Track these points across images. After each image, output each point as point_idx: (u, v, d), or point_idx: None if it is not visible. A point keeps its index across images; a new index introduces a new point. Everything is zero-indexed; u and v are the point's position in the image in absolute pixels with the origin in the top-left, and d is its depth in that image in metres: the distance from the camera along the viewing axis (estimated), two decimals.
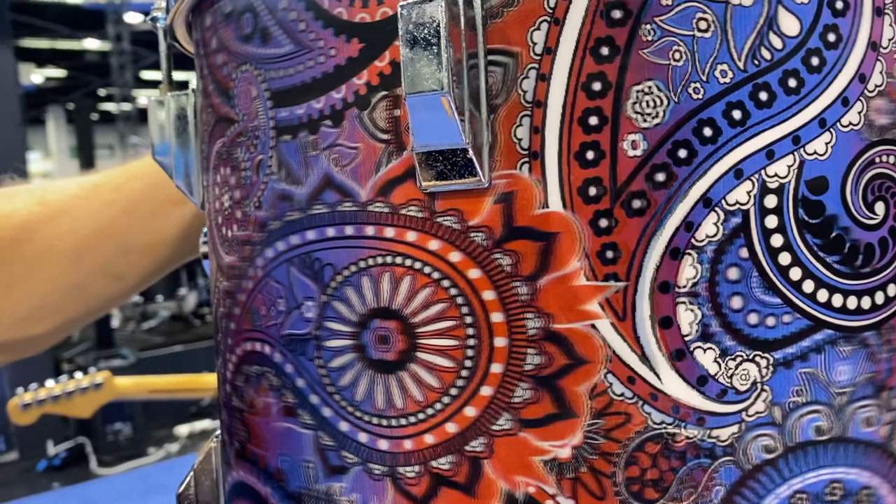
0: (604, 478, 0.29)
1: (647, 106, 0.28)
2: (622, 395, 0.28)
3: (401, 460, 0.31)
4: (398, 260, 0.30)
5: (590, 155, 0.28)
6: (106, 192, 0.63)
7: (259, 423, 0.36)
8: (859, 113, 0.30)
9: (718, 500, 0.28)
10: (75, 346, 4.98)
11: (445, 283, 0.30)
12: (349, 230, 0.31)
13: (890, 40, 0.30)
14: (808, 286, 0.29)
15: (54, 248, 0.61)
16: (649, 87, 0.28)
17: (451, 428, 0.30)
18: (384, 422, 0.31)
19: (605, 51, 0.28)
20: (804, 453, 0.29)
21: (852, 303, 0.30)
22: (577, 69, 0.28)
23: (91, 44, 6.06)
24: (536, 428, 0.29)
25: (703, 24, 0.28)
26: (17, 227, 0.60)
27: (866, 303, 0.30)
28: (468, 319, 0.29)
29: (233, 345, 0.38)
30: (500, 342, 0.29)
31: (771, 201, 0.29)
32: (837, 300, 0.29)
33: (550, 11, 0.28)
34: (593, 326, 0.28)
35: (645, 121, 0.28)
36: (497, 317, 0.29)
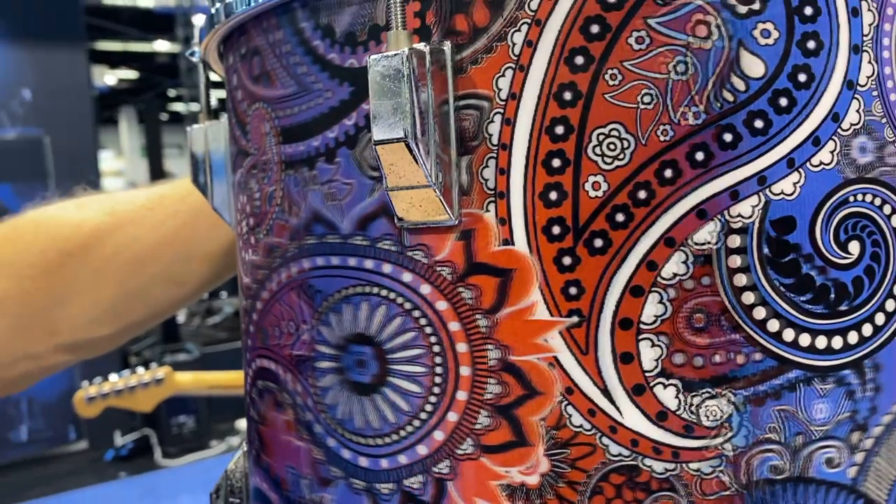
0: None
1: (609, 149, 0.29)
2: (580, 426, 0.29)
3: (379, 477, 0.33)
4: (375, 290, 0.32)
5: (553, 195, 0.29)
6: (171, 204, 0.68)
7: (269, 435, 0.39)
8: (832, 152, 0.29)
9: None
10: (142, 341, 5.17)
11: (416, 313, 0.31)
12: (335, 260, 0.34)
13: (868, 77, 0.30)
14: (773, 325, 0.29)
15: (120, 256, 0.65)
16: (611, 131, 0.29)
17: (422, 450, 0.32)
18: (363, 440, 0.33)
19: (567, 96, 0.29)
20: (761, 492, 0.29)
21: (821, 342, 0.30)
22: (540, 114, 0.29)
23: (161, 46, 6.27)
24: (495, 454, 0.30)
25: (664, 69, 0.28)
26: (88, 236, 0.65)
27: (837, 342, 0.30)
28: (436, 349, 0.31)
29: (250, 360, 0.41)
30: (465, 371, 0.31)
31: (734, 241, 0.29)
32: (805, 339, 0.29)
33: (515, 59, 0.29)
34: (556, 359, 0.30)
35: (606, 163, 0.29)
36: (462, 347, 0.31)
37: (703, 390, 0.29)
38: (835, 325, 0.30)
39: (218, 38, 0.41)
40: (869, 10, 0.30)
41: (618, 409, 0.29)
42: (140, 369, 1.83)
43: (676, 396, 0.29)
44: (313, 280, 0.35)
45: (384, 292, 0.32)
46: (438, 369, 0.31)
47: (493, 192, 0.30)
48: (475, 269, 0.30)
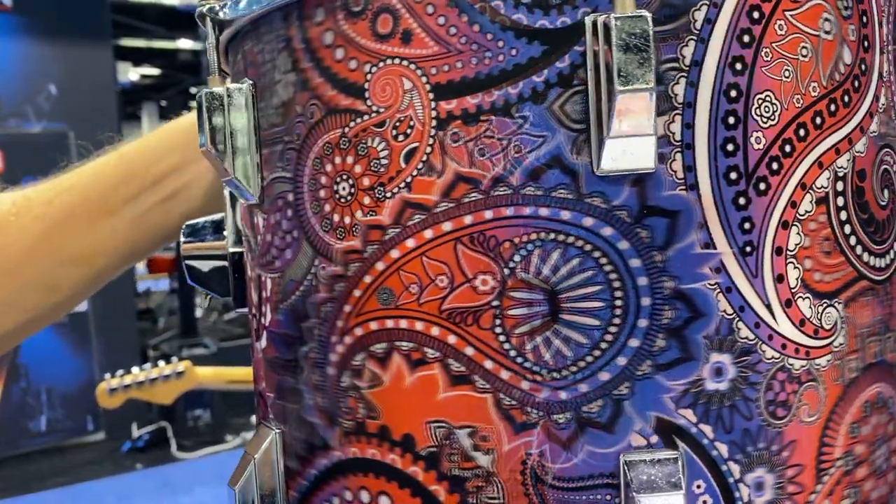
0: (751, 402, 0.36)
1: (765, 111, 0.36)
2: (749, 337, 0.36)
3: (555, 409, 0.35)
4: (551, 236, 0.35)
5: (730, 147, 0.36)
6: (37, 206, 0.63)
7: (392, 397, 0.39)
8: (877, 123, 0.40)
9: (825, 411, 0.37)
10: (160, 335, 5.32)
11: (596, 253, 0.35)
12: (506, 211, 0.36)
13: (888, 72, 0.42)
14: (859, 250, 0.39)
15: None
16: (767, 96, 0.36)
17: (604, 376, 0.35)
18: (548, 375, 0.36)
19: (738, 66, 0.36)
20: (870, 372, 0.38)
21: (879, 262, 0.40)
22: (719, 79, 0.36)
23: (184, 44, 6.45)
24: (667, 370, 0.35)
25: (804, 51, 0.37)
26: None
27: (884, 262, 0.41)
28: (616, 284, 0.35)
29: (346, 327, 0.40)
30: (646, 301, 0.35)
31: (839, 186, 0.38)
32: (873, 260, 0.40)
33: (697, 32, 0.35)
34: (733, 283, 0.36)
35: (764, 122, 0.36)
36: (642, 280, 0.35)
37: (824, 301, 0.38)
38: (882, 250, 0.41)
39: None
40: (887, 22, 0.42)
41: (775, 319, 0.36)
42: (161, 363, 1.91)
43: (810, 307, 0.37)
44: (496, 230, 0.36)
45: (561, 237, 0.35)
46: (618, 302, 0.35)
47: (679, 143, 0.35)
48: (650, 211, 0.35)
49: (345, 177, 0.40)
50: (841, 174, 0.38)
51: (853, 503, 0.39)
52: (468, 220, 0.36)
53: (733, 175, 0.36)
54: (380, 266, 0.39)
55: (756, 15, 0.36)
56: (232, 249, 0.54)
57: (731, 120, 0.36)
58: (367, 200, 0.39)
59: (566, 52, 0.35)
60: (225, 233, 0.54)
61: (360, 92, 0.39)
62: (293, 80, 0.42)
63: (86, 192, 0.64)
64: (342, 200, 0.40)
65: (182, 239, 0.56)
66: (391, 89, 0.38)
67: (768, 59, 0.36)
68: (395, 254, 0.38)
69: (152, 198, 0.65)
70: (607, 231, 0.35)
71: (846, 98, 0.39)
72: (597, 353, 0.35)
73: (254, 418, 0.44)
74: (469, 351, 0.37)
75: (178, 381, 1.91)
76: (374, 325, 0.39)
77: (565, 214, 0.35)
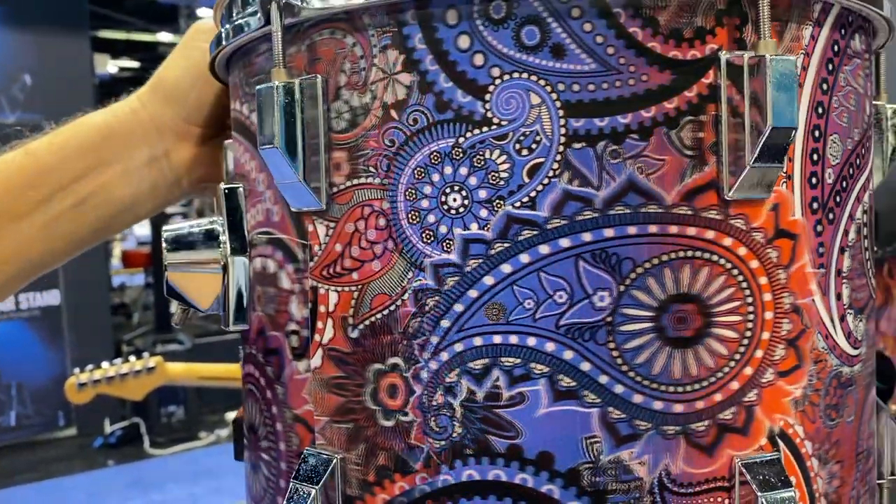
0: (815, 407, 0.41)
1: (833, 151, 0.42)
2: (823, 347, 0.41)
3: (694, 418, 0.38)
4: (697, 254, 0.38)
5: (813, 180, 0.40)
6: None
7: (506, 414, 0.38)
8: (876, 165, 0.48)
9: (858, 411, 0.43)
10: (135, 330, 5.31)
11: (735, 271, 0.38)
12: (653, 228, 0.37)
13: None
14: (871, 273, 0.46)
15: None
16: (834, 138, 0.42)
17: (734, 385, 0.38)
18: (680, 389, 0.38)
19: (820, 110, 0.41)
20: (872, 375, 0.45)
21: (873, 283, 0.48)
22: (809, 119, 0.40)
23: (164, 37, 6.54)
24: (786, 377, 0.39)
25: (853, 103, 0.43)
26: None
27: (874, 283, 0.48)
28: (749, 300, 0.38)
29: (443, 345, 0.38)
30: (768, 315, 0.39)
31: (865, 218, 0.45)
32: (873, 281, 0.47)
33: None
34: (813, 301, 0.40)
35: (833, 160, 0.41)
36: (767, 296, 0.39)
37: (858, 316, 0.44)
38: (874, 273, 0.48)
39: None
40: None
41: (835, 332, 0.42)
42: (132, 358, 1.88)
43: (852, 321, 0.43)
44: (618, 248, 0.37)
45: (706, 255, 0.38)
46: (750, 316, 0.38)
47: (786, 175, 0.39)
48: (779, 233, 0.39)
49: (457, 188, 0.38)
50: (865, 208, 0.45)
51: (868, 488, 0.45)
52: (587, 237, 0.37)
53: (815, 205, 0.41)
54: (490, 280, 0.38)
55: (830, 67, 0.41)
56: (231, 260, 0.48)
57: (815, 157, 0.41)
58: (482, 213, 0.38)
59: (694, 83, 0.37)
60: (221, 240, 0.49)
61: (480, 103, 0.38)
62: (386, 83, 0.39)
63: None
64: (453, 212, 0.38)
65: (166, 248, 0.49)
66: (516, 103, 0.37)
67: (836, 105, 0.42)
68: (510, 268, 0.37)
69: (64, 202, 0.56)
70: (742, 251, 0.38)
71: (867, 144, 0.45)
72: (732, 363, 0.38)
73: (228, 415, 0.39)
74: (585, 366, 0.37)
75: (148, 377, 1.85)
76: (492, 340, 0.38)
77: (710, 234, 0.38)
